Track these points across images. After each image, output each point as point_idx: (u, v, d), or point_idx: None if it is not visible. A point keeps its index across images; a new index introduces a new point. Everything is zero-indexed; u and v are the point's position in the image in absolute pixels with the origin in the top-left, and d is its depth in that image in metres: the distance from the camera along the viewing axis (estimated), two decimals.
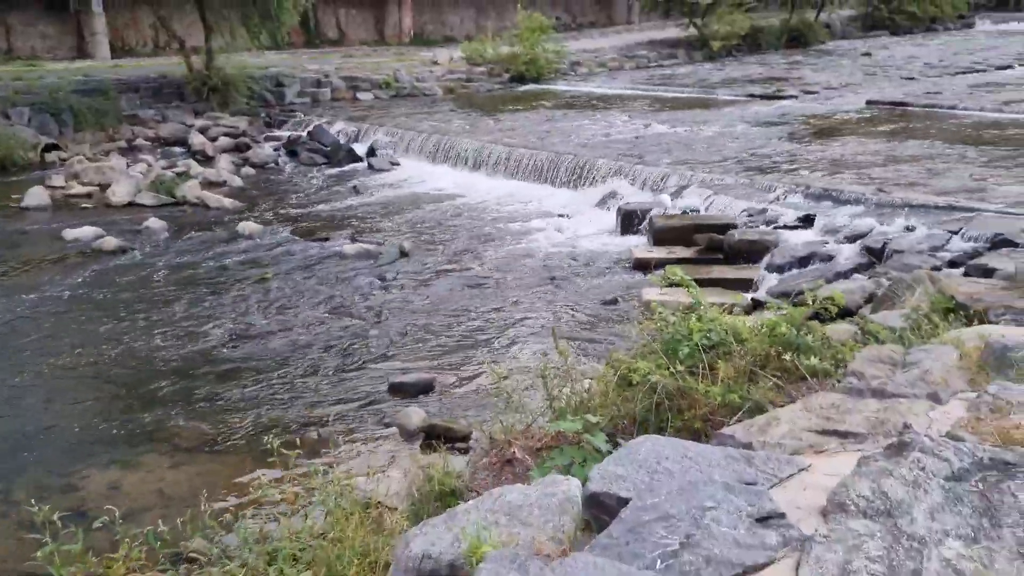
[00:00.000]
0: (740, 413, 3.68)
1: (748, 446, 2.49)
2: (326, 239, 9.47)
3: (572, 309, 7.23)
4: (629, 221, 9.33)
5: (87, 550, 2.93)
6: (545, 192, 11.12)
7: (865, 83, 17.84)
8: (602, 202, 10.27)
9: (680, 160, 10.93)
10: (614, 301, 7.36)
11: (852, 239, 7.81)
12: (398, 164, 13.42)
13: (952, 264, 6.94)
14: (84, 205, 11.23)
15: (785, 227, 8.29)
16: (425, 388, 5.68)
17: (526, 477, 3.87)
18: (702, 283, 7.51)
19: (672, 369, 3.77)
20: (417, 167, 13.13)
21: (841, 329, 5.44)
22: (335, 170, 13.45)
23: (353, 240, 9.33)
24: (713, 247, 8.17)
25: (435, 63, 21.42)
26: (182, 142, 14.85)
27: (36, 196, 11.09)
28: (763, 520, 1.95)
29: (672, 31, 25.70)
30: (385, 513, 3.69)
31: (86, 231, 9.54)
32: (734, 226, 8.40)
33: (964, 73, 19.01)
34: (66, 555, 2.88)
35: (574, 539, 2.17)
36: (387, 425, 5.19)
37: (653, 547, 1.91)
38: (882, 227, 7.88)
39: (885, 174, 9.66)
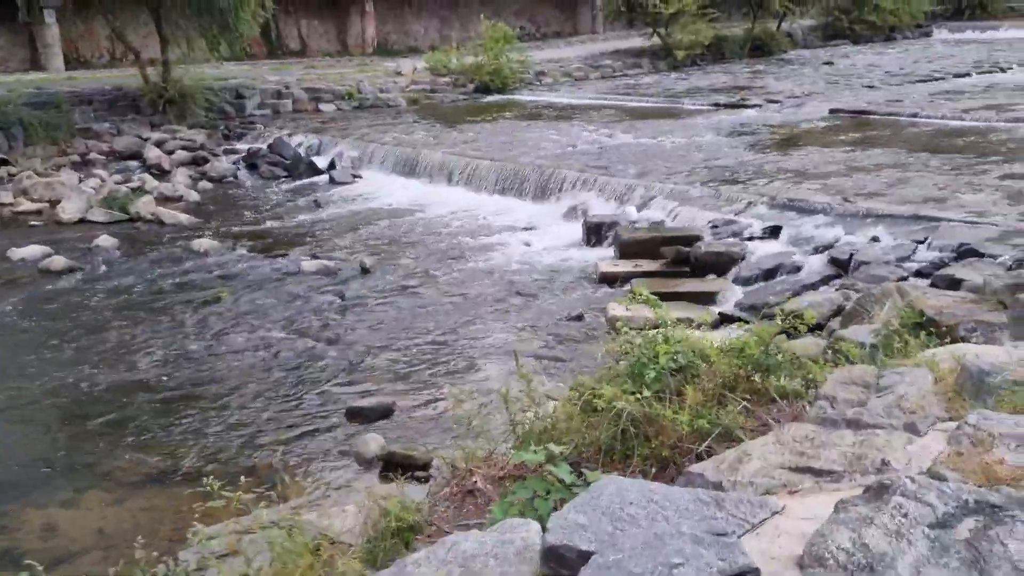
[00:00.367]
0: (709, 440, 3.54)
1: (718, 486, 2.33)
2: (284, 255, 9.22)
3: (537, 326, 7.06)
4: (595, 234, 9.19)
5: None
6: (510, 205, 10.96)
7: (828, 91, 17.96)
8: (568, 214, 10.13)
9: (646, 171, 10.83)
10: (580, 317, 7.20)
11: (819, 250, 7.74)
12: (360, 177, 13.19)
13: (919, 274, 6.89)
14: (33, 223, 10.85)
15: (751, 239, 8.21)
16: (384, 413, 5.47)
17: (488, 511, 3.69)
18: (669, 297, 7.41)
19: (638, 394, 3.61)
20: (380, 180, 12.91)
21: (809, 343, 5.34)
22: (295, 184, 13.17)
23: (312, 256, 9.08)
24: (680, 260, 8.06)
25: (398, 74, 21.22)
26: (137, 156, 14.46)
27: None
28: None
29: (636, 41, 25.75)
30: (338, 554, 3.48)
31: (33, 250, 9.19)
32: (700, 238, 8.30)
33: (924, 81, 19.22)
34: None
35: None
36: (344, 453, 4.97)
37: None
38: (848, 237, 7.83)
39: (850, 183, 9.64)
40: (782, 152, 11.82)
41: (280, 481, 4.14)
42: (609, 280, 8.06)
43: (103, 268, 8.87)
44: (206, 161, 14.25)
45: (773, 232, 8.27)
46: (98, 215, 10.89)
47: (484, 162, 11.97)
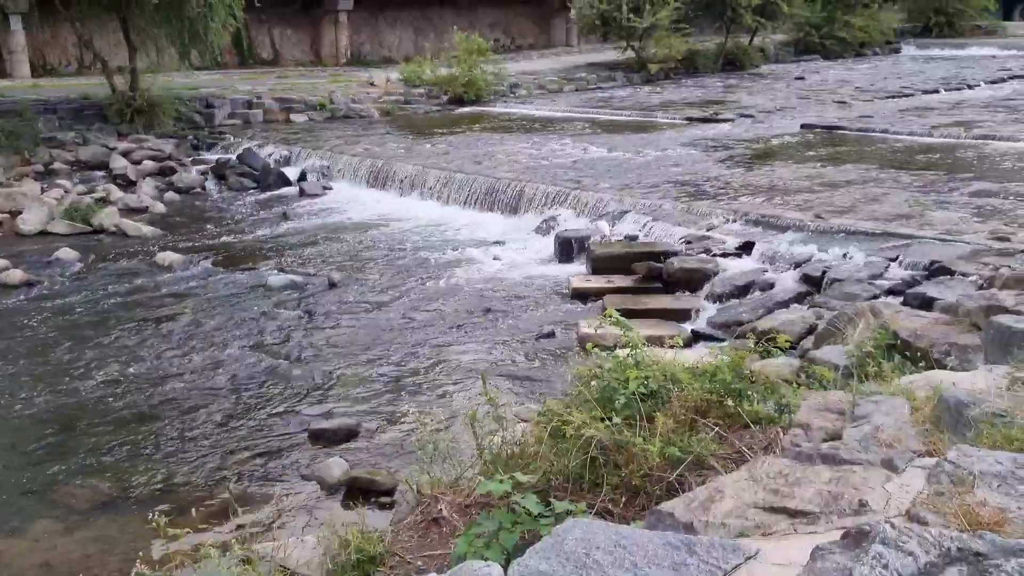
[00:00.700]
0: (681, 468, 3.43)
1: (689, 527, 2.21)
2: (251, 269, 9.02)
3: (507, 344, 6.94)
4: (567, 249, 9.10)
5: None
6: (482, 218, 10.84)
7: (799, 106, 18.07)
8: (540, 229, 10.03)
9: (619, 185, 10.77)
10: (551, 334, 7.09)
11: (792, 267, 7.70)
12: (331, 189, 13.01)
13: (891, 292, 6.85)
14: None
15: (724, 255, 8.15)
16: (348, 435, 5.31)
17: (452, 542, 3.55)
18: (641, 314, 7.34)
19: (608, 421, 3.50)
20: (350, 192, 12.74)
21: (782, 363, 5.26)
22: (265, 195, 12.97)
23: (279, 270, 8.90)
24: (652, 276, 7.98)
25: (372, 84, 21.06)
26: (103, 166, 14.15)
27: None
28: None
29: (611, 54, 25.81)
30: None
31: None
32: (673, 253, 8.23)
33: (894, 97, 19.40)
34: None
35: None
36: (306, 478, 4.81)
37: None
38: (821, 254, 7.79)
39: (822, 199, 9.64)
40: (755, 167, 11.83)
41: (234, 511, 3.98)
42: (581, 296, 7.96)
43: (62, 282, 8.62)
44: (173, 172, 13.99)
45: (746, 248, 8.23)
46: (60, 227, 10.62)
47: (456, 175, 11.85)
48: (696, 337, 6.84)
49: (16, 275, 8.55)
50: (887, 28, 30.83)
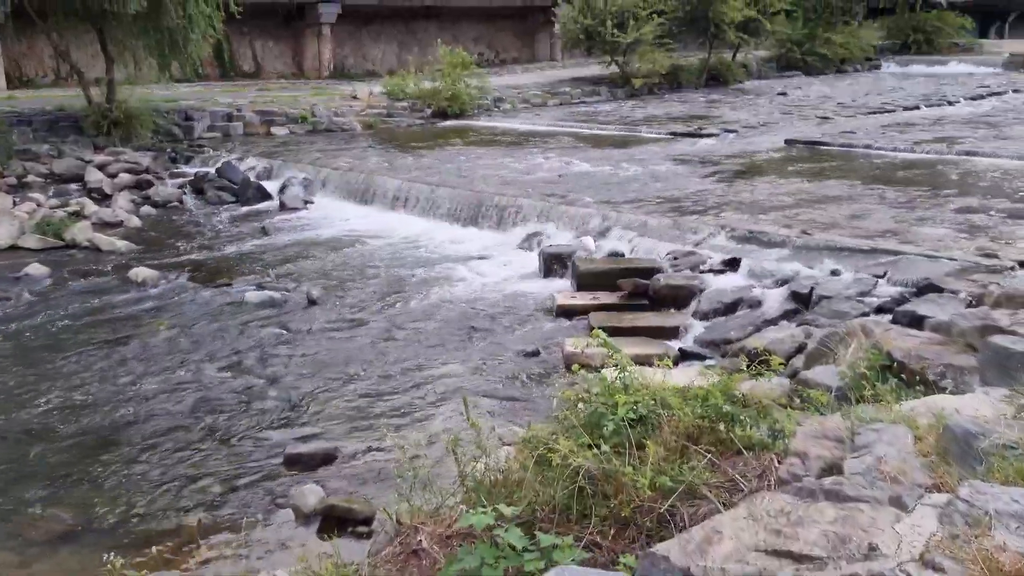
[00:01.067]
0: (673, 497, 3.28)
1: (687, 572, 2.06)
2: (228, 285, 8.80)
3: (491, 363, 6.77)
4: (552, 264, 8.96)
5: None
6: (466, 233, 10.69)
7: (782, 122, 18.09)
8: (524, 244, 9.89)
9: (604, 200, 10.66)
10: (536, 353, 6.93)
11: (779, 283, 7.59)
12: (312, 203, 12.83)
13: (880, 310, 6.76)
14: None
15: (711, 271, 8.04)
16: (325, 459, 5.11)
17: None
18: (627, 332, 7.20)
19: (596, 449, 3.34)
20: (332, 206, 12.56)
21: (774, 385, 5.12)
22: (244, 209, 12.75)
23: (258, 287, 8.69)
24: (638, 292, 7.85)
25: (355, 98, 20.90)
26: (78, 179, 13.87)
27: None
28: None
29: (595, 68, 25.82)
30: None
31: None
32: (659, 270, 8.11)
33: (875, 113, 19.48)
34: None
35: None
36: (280, 506, 4.61)
37: None
38: (808, 271, 7.69)
39: (808, 215, 9.56)
40: (740, 182, 11.76)
41: (202, 543, 3.78)
42: (566, 313, 7.81)
43: (30, 299, 8.37)
44: (150, 185, 13.75)
45: (732, 264, 8.11)
46: (31, 241, 10.36)
47: (439, 189, 11.70)
48: (683, 356, 6.71)
49: None
50: (867, 45, 31.11)
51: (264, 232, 11.30)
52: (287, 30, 26.07)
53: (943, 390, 4.09)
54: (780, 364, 3.96)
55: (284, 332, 7.40)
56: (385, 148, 15.62)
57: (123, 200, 12.74)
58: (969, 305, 6.34)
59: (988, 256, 7.56)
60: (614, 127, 17.77)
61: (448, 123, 19.24)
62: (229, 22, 17.57)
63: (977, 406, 3.06)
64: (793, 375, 5.20)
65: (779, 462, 3.45)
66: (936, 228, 8.81)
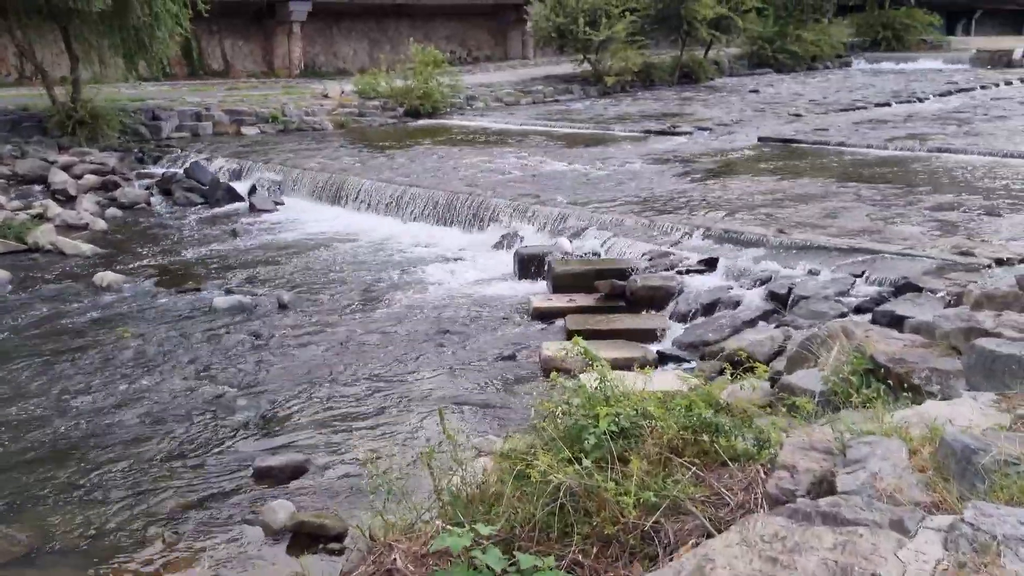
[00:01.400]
0: (657, 514, 3.16)
1: None
2: (197, 290, 8.58)
3: (466, 368, 6.62)
4: (527, 266, 8.83)
5: None
6: (439, 234, 10.53)
7: (755, 119, 18.10)
8: (499, 245, 9.75)
9: (578, 199, 10.55)
10: (512, 357, 6.79)
11: (757, 283, 7.52)
12: (282, 204, 12.60)
13: (859, 310, 6.72)
14: None
15: (688, 271, 7.95)
16: (296, 472, 4.94)
17: None
18: (605, 335, 7.08)
19: (576, 464, 3.22)
20: (303, 207, 12.34)
21: (756, 389, 5.03)
22: (213, 211, 12.49)
23: (227, 291, 8.47)
24: (615, 294, 7.74)
25: (326, 96, 20.63)
26: (42, 180, 13.49)
27: None
28: None
29: (567, 66, 25.73)
30: None
31: None
32: (636, 271, 8.01)
33: (847, 110, 19.56)
34: None
35: None
36: (249, 523, 4.43)
37: None
38: (785, 271, 7.63)
39: (784, 213, 9.51)
40: (714, 180, 11.71)
41: (168, 563, 3.61)
42: (543, 316, 7.69)
43: None
44: (117, 186, 13.42)
45: (710, 265, 8.04)
46: None
47: (412, 189, 11.53)
48: (662, 359, 6.61)
49: None
50: (837, 42, 31.31)
51: (234, 234, 11.06)
52: (257, 28, 25.70)
53: (929, 395, 4.01)
54: (764, 372, 3.86)
55: (254, 338, 7.20)
56: (357, 148, 15.41)
57: (88, 202, 12.42)
58: (948, 304, 6.32)
59: (965, 254, 7.55)
60: (587, 125, 17.68)
61: (421, 122, 19.05)
62: (198, 20, 17.25)
63: (970, 415, 2.98)
64: (775, 379, 5.10)
65: (765, 473, 3.36)
66: (912, 226, 8.80)
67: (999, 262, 7.32)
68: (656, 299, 7.57)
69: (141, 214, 12.41)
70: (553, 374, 4.29)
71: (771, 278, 7.51)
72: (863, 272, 7.34)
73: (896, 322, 6.09)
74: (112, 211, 12.31)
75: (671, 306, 7.47)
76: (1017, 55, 30.20)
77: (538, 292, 8.29)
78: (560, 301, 7.85)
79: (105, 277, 8.80)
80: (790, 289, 7.18)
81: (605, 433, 3.32)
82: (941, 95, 22.18)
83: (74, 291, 8.55)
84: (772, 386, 4.98)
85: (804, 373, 4.75)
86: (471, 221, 10.47)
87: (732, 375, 3.85)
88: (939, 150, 13.63)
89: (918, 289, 6.75)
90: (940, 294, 6.56)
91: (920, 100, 21.34)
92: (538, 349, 6.80)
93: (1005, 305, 5.16)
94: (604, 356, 6.41)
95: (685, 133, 16.28)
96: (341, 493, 4.70)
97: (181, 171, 14.18)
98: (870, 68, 31.39)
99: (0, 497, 4.69)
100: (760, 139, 15.36)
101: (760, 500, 3.18)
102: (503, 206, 10.40)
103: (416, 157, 14.06)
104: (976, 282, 6.68)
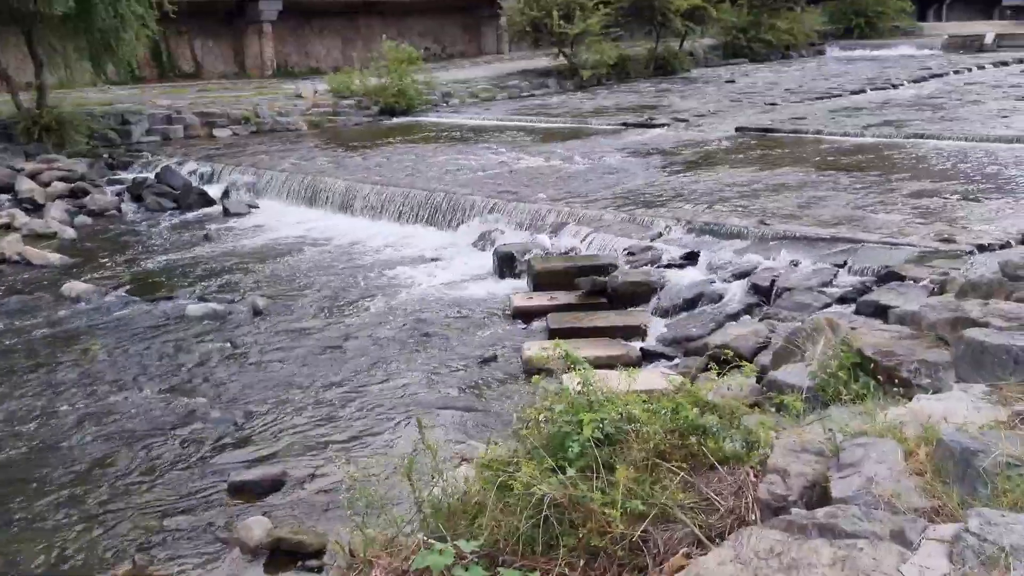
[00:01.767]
0: (646, 522, 3.05)
1: None
2: (169, 299, 8.37)
3: (447, 371, 6.48)
4: (507, 264, 8.70)
5: None
6: (416, 234, 10.37)
7: (731, 109, 18.05)
8: (478, 243, 9.61)
9: (557, 195, 10.43)
10: (493, 358, 6.66)
11: (739, 276, 7.43)
12: (256, 207, 12.38)
13: (842, 300, 6.65)
14: None
15: (669, 266, 7.86)
16: (273, 486, 4.79)
17: None
18: (588, 333, 6.97)
19: (560, 474, 3.09)
20: (277, 210, 12.13)
21: (743, 386, 4.94)
22: (185, 216, 12.26)
23: (200, 299, 8.28)
24: (596, 291, 7.63)
25: (299, 96, 20.37)
26: (8, 188, 13.19)
27: None
28: None
29: (543, 61, 25.58)
30: None
31: None
32: (616, 267, 7.90)
33: (823, 98, 19.56)
34: None
35: None
36: (223, 541, 4.27)
37: None
38: (768, 262, 7.55)
39: (764, 204, 9.44)
40: (693, 172, 11.62)
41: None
42: (523, 315, 7.56)
43: None
44: (86, 193, 13.14)
45: (691, 258, 7.94)
46: None
47: (388, 189, 11.36)
48: (645, 356, 6.50)
49: None
50: (811, 30, 31.38)
51: (207, 239, 10.85)
52: (227, 28, 25.35)
53: (919, 388, 3.93)
54: (751, 371, 3.76)
55: (228, 346, 7.02)
56: (332, 148, 15.20)
57: (57, 210, 12.15)
58: (932, 293, 6.25)
59: (946, 241, 7.51)
60: (564, 119, 17.56)
61: (396, 120, 18.85)
62: (166, 21, 16.97)
63: (964, 411, 2.88)
64: (761, 374, 5.01)
65: (755, 476, 3.25)
66: (892, 214, 8.75)
67: (981, 248, 7.27)
68: (638, 295, 7.46)
69: (111, 221, 12.16)
70: (535, 378, 4.17)
71: (753, 270, 7.43)
72: (845, 262, 7.27)
73: (880, 312, 6.03)
74: (81, 219, 12.05)
75: (653, 302, 7.37)
76: (988, 40, 30.41)
77: (518, 291, 8.16)
78: (541, 300, 7.73)
79: (74, 287, 8.58)
80: (773, 281, 7.10)
81: (589, 440, 3.19)
82: (915, 81, 22.25)
83: (42, 303, 8.32)
84: (759, 382, 4.89)
85: (791, 368, 4.66)
86: (449, 220, 10.32)
87: (718, 373, 3.73)
88: (916, 136, 13.63)
89: (901, 278, 6.69)
90: (923, 282, 6.49)
91: (895, 86, 21.40)
92: (519, 350, 6.68)
93: (990, 293, 5.10)
94: (587, 355, 6.29)
95: (662, 125, 16.20)
96: (320, 506, 4.56)
97: (152, 176, 13.93)
98: (844, 56, 31.48)
99: None
100: (737, 129, 15.31)
101: (751, 505, 3.08)
102: (481, 204, 10.26)
103: (392, 156, 13.89)
104: (959, 269, 6.64)
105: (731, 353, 4.43)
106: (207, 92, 20.97)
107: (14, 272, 9.52)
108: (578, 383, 3.66)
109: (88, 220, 12.03)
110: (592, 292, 7.63)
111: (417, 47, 22.79)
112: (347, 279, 8.93)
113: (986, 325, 4.19)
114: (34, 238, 10.75)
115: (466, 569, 2.87)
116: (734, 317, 6.79)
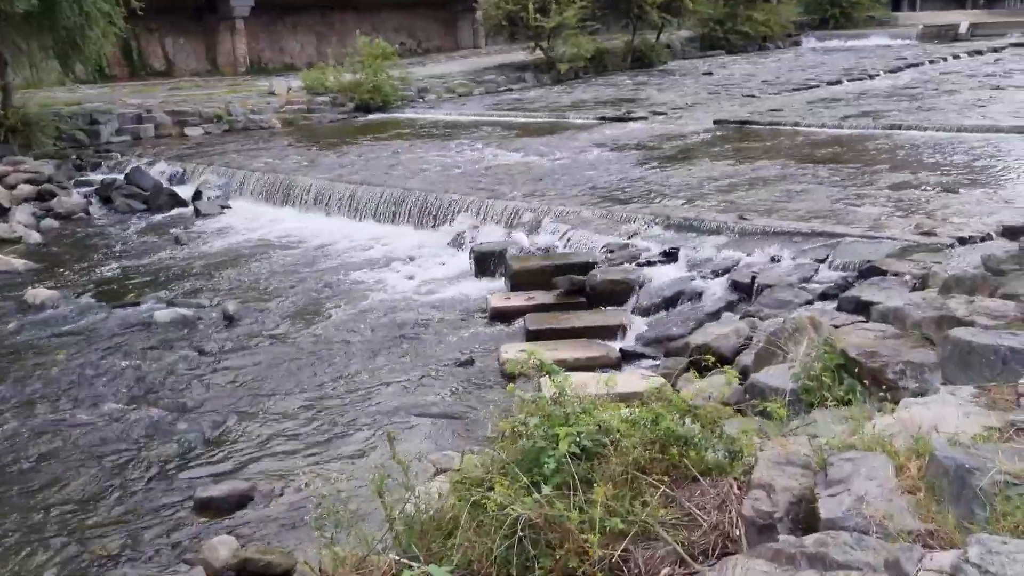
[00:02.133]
0: (626, 541, 2.92)
1: None
2: (137, 304, 8.15)
3: (423, 376, 6.32)
4: (484, 263, 8.54)
5: None
6: (392, 234, 10.18)
7: (709, 102, 17.97)
8: (454, 242, 9.44)
9: (535, 191, 10.28)
10: (471, 362, 6.51)
11: (719, 273, 7.31)
12: (229, 208, 12.13)
13: (824, 296, 6.54)
14: None
15: (649, 263, 7.73)
16: (241, 501, 4.61)
17: None
18: (566, 333, 6.83)
19: (536, 492, 2.95)
20: (250, 210, 11.89)
21: (719, 384, 4.82)
22: (156, 218, 11.99)
23: (169, 304, 8.06)
24: (575, 290, 7.49)
25: (272, 93, 20.05)
26: None
27: None
28: None
29: (519, 54, 25.39)
30: None
31: None
32: (595, 265, 7.76)
33: (800, 90, 19.51)
34: None
35: None
36: (188, 562, 4.09)
37: None
38: (748, 258, 7.44)
39: (743, 198, 9.34)
40: (672, 166, 11.51)
41: None
42: (501, 316, 7.41)
43: None
44: (53, 195, 12.82)
45: (670, 255, 7.82)
46: None
47: (363, 188, 11.16)
48: (625, 356, 6.37)
49: None
50: (787, 21, 31.43)
51: (177, 242, 10.60)
52: (199, 25, 24.95)
53: (905, 390, 3.82)
54: (734, 377, 3.63)
55: (196, 355, 6.82)
56: (306, 146, 14.95)
57: (22, 214, 11.84)
58: (914, 288, 6.16)
59: (926, 234, 7.43)
60: (542, 114, 17.40)
61: (372, 117, 18.61)
62: (136, 19, 16.60)
63: (955, 420, 2.77)
64: (743, 375, 4.89)
65: (739, 488, 3.13)
66: (872, 207, 8.67)
67: (961, 241, 7.20)
68: (617, 293, 7.33)
69: (79, 224, 11.87)
70: (510, 386, 4.03)
71: (734, 267, 7.32)
72: (826, 257, 7.17)
73: (862, 308, 5.92)
74: (48, 222, 11.75)
75: (633, 300, 7.24)
76: (963, 29, 30.56)
77: (496, 290, 8.01)
78: (519, 300, 7.58)
79: (38, 294, 8.33)
80: (753, 278, 6.99)
81: (565, 456, 3.05)
82: (891, 71, 22.29)
83: (4, 311, 8.07)
84: (741, 383, 4.77)
85: (773, 370, 4.54)
86: (424, 219, 10.14)
87: (700, 375, 3.60)
88: (893, 127, 13.60)
89: (882, 273, 6.59)
90: (905, 277, 6.40)
91: (871, 77, 21.40)
92: (497, 352, 6.53)
93: (974, 289, 5.01)
94: (565, 356, 6.19)
95: (640, 119, 16.07)
96: (289, 524, 4.39)
97: (121, 177, 13.63)
98: (820, 46, 31.51)
99: None
100: (716, 122, 15.21)
101: (735, 520, 2.95)
102: (457, 202, 10.09)
103: (367, 153, 13.67)
104: (940, 263, 6.56)
105: (712, 359, 4.30)
106: (179, 90, 20.62)
107: None
108: (554, 392, 3.52)
109: (55, 223, 11.74)
110: (570, 291, 7.49)
111: (392, 42, 22.55)
112: (321, 281, 8.73)
113: (972, 324, 4.09)
114: None
115: None
116: (715, 315, 6.67)
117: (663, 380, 5.61)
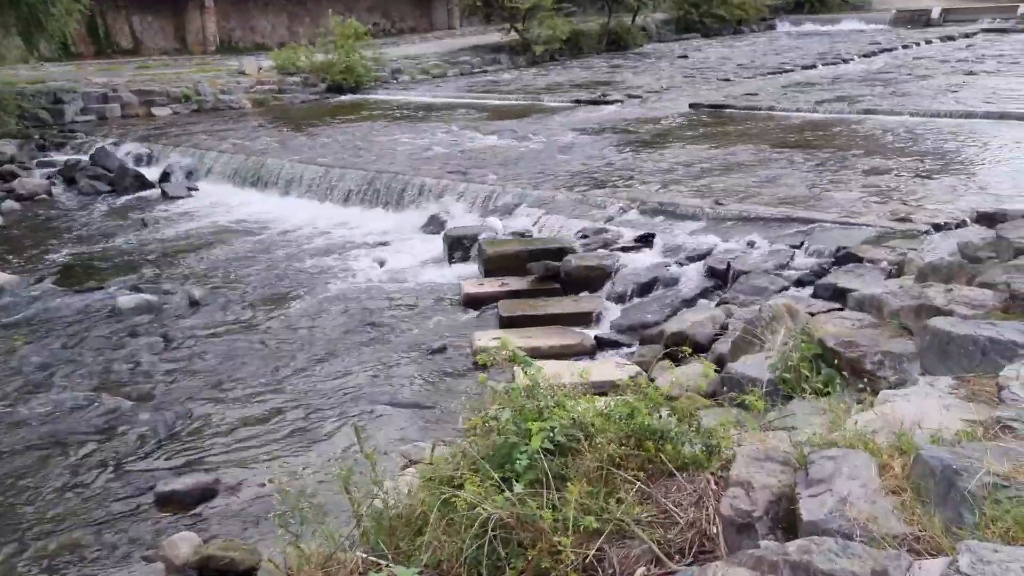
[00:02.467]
0: (600, 540, 2.82)
1: None
2: (99, 289, 7.92)
3: (393, 364, 6.18)
4: (457, 248, 8.40)
5: None
6: (365, 217, 10.00)
7: (685, 85, 17.88)
8: (427, 226, 9.29)
9: (509, 175, 10.13)
10: (443, 349, 6.38)
11: (695, 259, 7.24)
12: (196, 190, 11.87)
13: (799, 283, 6.49)
14: None
15: (624, 249, 7.63)
16: (204, 495, 4.46)
17: None
18: (541, 320, 6.72)
19: (507, 490, 2.84)
20: (219, 192, 11.64)
21: (697, 376, 4.74)
22: (121, 200, 11.70)
23: (133, 289, 7.84)
24: (549, 276, 7.38)
25: (243, 73, 19.69)
26: None
27: None
28: None
29: (494, 36, 25.13)
30: None
31: None
32: (570, 250, 7.65)
33: (775, 74, 19.48)
34: None
35: None
36: (148, 559, 3.95)
37: None
38: (724, 244, 7.37)
39: (718, 183, 9.27)
40: (647, 151, 11.41)
41: None
42: (474, 302, 7.28)
43: None
44: (14, 176, 12.48)
45: (646, 241, 7.73)
46: None
47: (335, 170, 10.95)
48: (600, 344, 6.28)
49: None
50: (762, 5, 31.39)
51: (143, 225, 10.35)
52: (167, 3, 24.41)
53: (883, 380, 3.76)
54: (711, 369, 3.54)
55: (160, 341, 6.63)
56: (277, 127, 14.67)
57: None
58: (890, 275, 6.13)
59: (902, 220, 7.40)
60: (517, 97, 17.22)
61: (344, 98, 18.33)
62: None
63: (937, 415, 2.70)
64: (719, 364, 4.82)
65: (716, 484, 3.05)
66: (847, 192, 8.63)
67: (936, 227, 7.18)
68: (592, 279, 7.23)
69: (41, 206, 11.55)
70: (481, 377, 3.91)
71: (709, 252, 7.25)
72: (802, 243, 7.13)
73: (839, 295, 5.87)
74: (8, 204, 11.42)
75: (607, 287, 7.14)
76: (935, 14, 30.68)
77: (469, 276, 7.87)
78: (492, 286, 7.45)
79: None
80: (729, 264, 6.91)
81: (538, 452, 2.94)
82: (865, 56, 22.32)
83: None
84: (717, 373, 4.69)
85: (750, 360, 4.46)
86: (397, 202, 9.97)
87: (675, 363, 3.51)
88: (868, 112, 13.59)
89: (858, 259, 6.55)
90: (881, 264, 6.36)
91: (845, 61, 21.43)
92: (469, 339, 6.41)
93: (951, 276, 4.97)
94: (539, 344, 6.09)
95: (615, 102, 15.95)
96: (254, 518, 4.25)
97: (86, 158, 13.29)
98: (795, 31, 31.54)
99: None
100: (691, 106, 15.13)
101: (712, 517, 2.87)
102: (430, 185, 9.92)
103: (339, 135, 13.43)
104: (916, 249, 6.52)
105: (689, 350, 4.22)
106: (146, 69, 20.18)
107: None
108: (527, 384, 3.41)
109: (16, 205, 11.41)
110: (545, 277, 7.38)
111: (366, 22, 22.19)
112: (290, 266, 8.55)
113: (951, 313, 4.04)
114: None
115: None
116: (690, 302, 6.60)
117: (638, 369, 5.56)
